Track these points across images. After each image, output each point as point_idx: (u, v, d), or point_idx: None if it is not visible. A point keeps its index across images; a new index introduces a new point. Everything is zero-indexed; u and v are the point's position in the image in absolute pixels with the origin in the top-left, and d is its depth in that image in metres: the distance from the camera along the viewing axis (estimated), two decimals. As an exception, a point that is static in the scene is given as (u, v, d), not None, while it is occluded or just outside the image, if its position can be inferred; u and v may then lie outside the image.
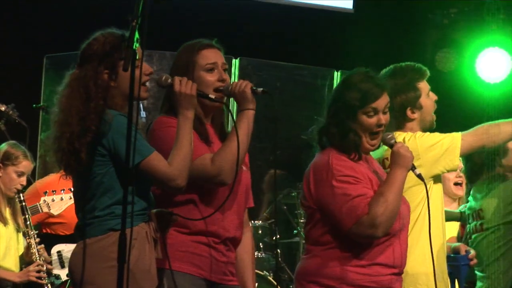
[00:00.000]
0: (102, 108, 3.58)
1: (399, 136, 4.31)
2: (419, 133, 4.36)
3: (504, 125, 4.38)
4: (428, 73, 4.49)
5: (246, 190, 3.99)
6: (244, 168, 3.97)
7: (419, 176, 3.87)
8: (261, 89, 3.85)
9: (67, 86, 3.65)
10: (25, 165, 5.69)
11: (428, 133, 4.37)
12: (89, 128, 3.55)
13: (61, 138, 3.60)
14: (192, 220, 3.80)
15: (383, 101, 3.89)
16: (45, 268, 5.67)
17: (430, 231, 3.94)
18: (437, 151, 4.29)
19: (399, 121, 4.41)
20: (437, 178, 4.35)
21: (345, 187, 3.80)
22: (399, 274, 3.90)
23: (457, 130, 4.39)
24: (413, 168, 3.86)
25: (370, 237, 3.78)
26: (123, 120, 3.47)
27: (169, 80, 3.76)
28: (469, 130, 4.37)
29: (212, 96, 3.82)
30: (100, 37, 3.66)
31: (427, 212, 3.99)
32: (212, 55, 3.94)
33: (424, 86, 4.46)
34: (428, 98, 4.45)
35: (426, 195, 4.09)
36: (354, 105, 3.87)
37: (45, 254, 5.80)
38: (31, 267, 5.62)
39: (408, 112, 4.40)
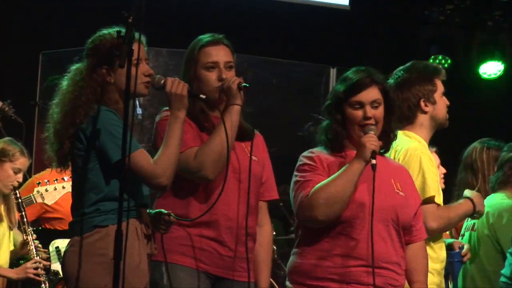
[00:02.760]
0: (91, 102, 3.61)
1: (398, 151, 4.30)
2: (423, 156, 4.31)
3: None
4: (445, 76, 4.49)
5: (256, 180, 3.96)
6: (255, 158, 3.96)
7: (372, 166, 3.76)
8: (244, 84, 3.86)
9: (68, 79, 3.70)
10: (22, 162, 5.68)
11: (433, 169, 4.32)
12: (74, 122, 3.60)
13: (52, 131, 3.65)
14: (186, 220, 3.81)
15: (370, 94, 3.88)
16: (42, 265, 5.67)
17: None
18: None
19: (412, 112, 4.39)
20: None
21: (299, 175, 3.88)
22: (369, 267, 3.79)
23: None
24: (371, 157, 3.78)
25: (310, 219, 3.80)
26: (110, 115, 3.51)
27: (162, 81, 3.77)
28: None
29: (202, 96, 3.83)
30: (105, 34, 3.69)
31: None
32: (214, 53, 3.94)
33: (440, 85, 4.46)
34: (442, 98, 4.44)
35: None
36: (340, 97, 3.89)
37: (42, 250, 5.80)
38: (29, 264, 5.61)
39: (422, 104, 4.39)
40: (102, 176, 3.59)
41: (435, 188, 4.24)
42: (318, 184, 3.78)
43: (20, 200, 5.70)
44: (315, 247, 3.84)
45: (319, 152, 3.93)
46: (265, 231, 4.09)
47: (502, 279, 4.80)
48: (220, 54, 3.96)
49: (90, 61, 3.69)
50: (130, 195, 3.60)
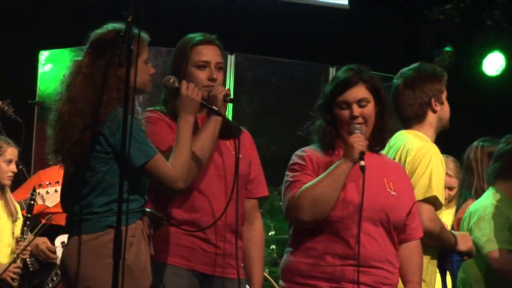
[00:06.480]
0: (115, 102, 3.55)
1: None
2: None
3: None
4: (446, 80, 4.50)
5: (242, 178, 3.92)
6: (240, 155, 3.90)
7: (361, 168, 3.74)
8: (230, 97, 3.84)
9: (78, 73, 3.61)
10: (11, 152, 5.69)
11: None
12: (99, 121, 3.54)
13: (72, 128, 3.55)
14: (173, 226, 3.81)
15: (355, 93, 3.84)
16: (20, 271, 5.63)
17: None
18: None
19: (423, 111, 4.37)
20: None
21: (289, 175, 3.86)
22: (363, 266, 3.77)
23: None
24: (359, 158, 3.75)
25: (296, 220, 3.79)
26: (130, 119, 3.45)
27: (176, 83, 3.76)
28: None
29: (215, 108, 3.81)
30: (113, 29, 3.63)
31: None
32: (206, 52, 3.92)
33: (444, 87, 4.46)
34: (445, 100, 4.45)
35: None
36: (327, 98, 3.88)
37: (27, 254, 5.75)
38: (11, 268, 5.59)
39: (433, 102, 4.39)
40: (119, 178, 3.52)
41: (439, 190, 4.21)
42: (305, 185, 3.77)
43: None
44: (307, 246, 3.82)
45: (311, 150, 3.91)
46: (256, 229, 4.08)
47: None
48: (212, 54, 3.93)
49: (108, 55, 3.59)
50: (140, 197, 3.60)
